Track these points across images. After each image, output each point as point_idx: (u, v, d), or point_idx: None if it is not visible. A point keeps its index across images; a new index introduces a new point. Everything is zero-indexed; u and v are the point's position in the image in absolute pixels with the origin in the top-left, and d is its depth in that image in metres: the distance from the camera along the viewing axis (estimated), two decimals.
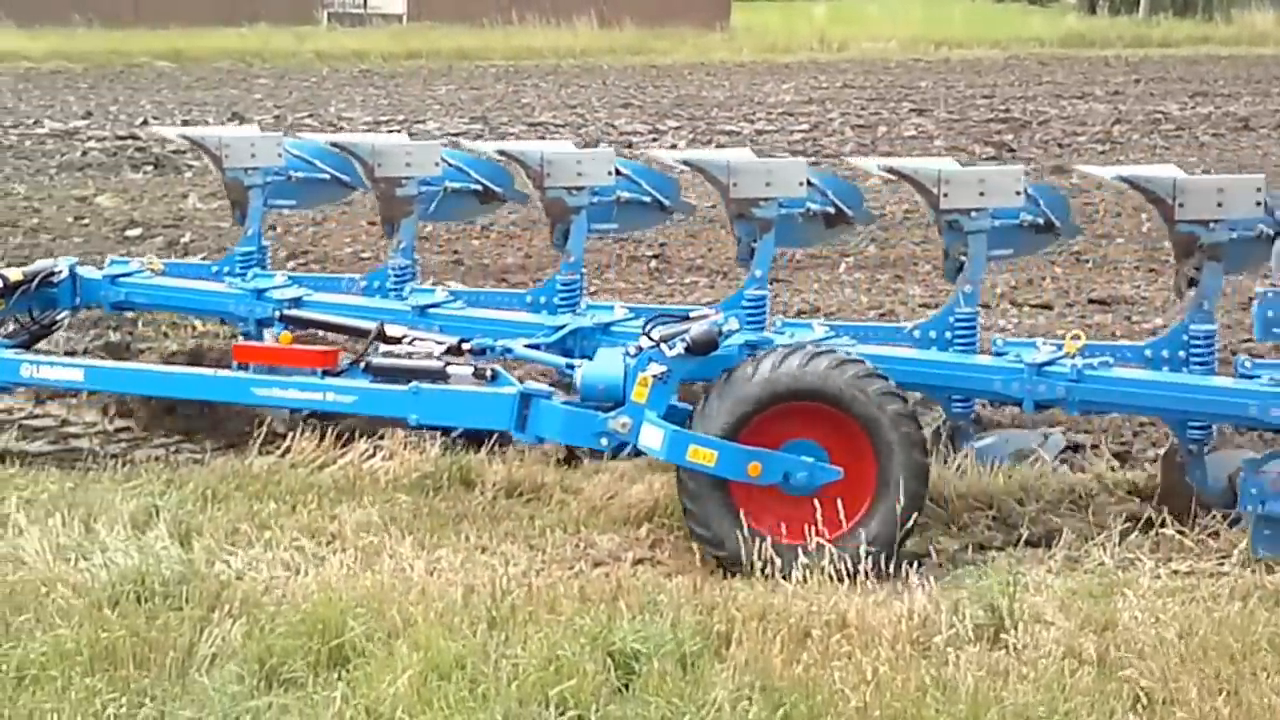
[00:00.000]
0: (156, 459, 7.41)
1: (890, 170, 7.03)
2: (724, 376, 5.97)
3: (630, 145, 20.05)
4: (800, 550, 5.75)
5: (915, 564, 5.73)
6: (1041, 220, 7.10)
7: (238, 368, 7.13)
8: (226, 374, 7.17)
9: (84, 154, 19.14)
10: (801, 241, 8.00)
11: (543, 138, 21.01)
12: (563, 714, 4.53)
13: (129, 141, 20.17)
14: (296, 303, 7.76)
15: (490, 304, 7.76)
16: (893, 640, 5.03)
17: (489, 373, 6.58)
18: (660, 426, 5.94)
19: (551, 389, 6.56)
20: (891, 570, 5.76)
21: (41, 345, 8.28)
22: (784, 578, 5.58)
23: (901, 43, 40.31)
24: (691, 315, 6.33)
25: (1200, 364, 6.25)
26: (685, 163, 7.71)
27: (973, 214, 6.60)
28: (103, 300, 8.35)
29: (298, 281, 8.12)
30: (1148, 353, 6.38)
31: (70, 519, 6.31)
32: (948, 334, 6.66)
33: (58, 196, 15.72)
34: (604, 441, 6.26)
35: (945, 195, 6.59)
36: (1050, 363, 6.29)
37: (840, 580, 5.56)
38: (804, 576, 5.54)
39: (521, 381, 6.63)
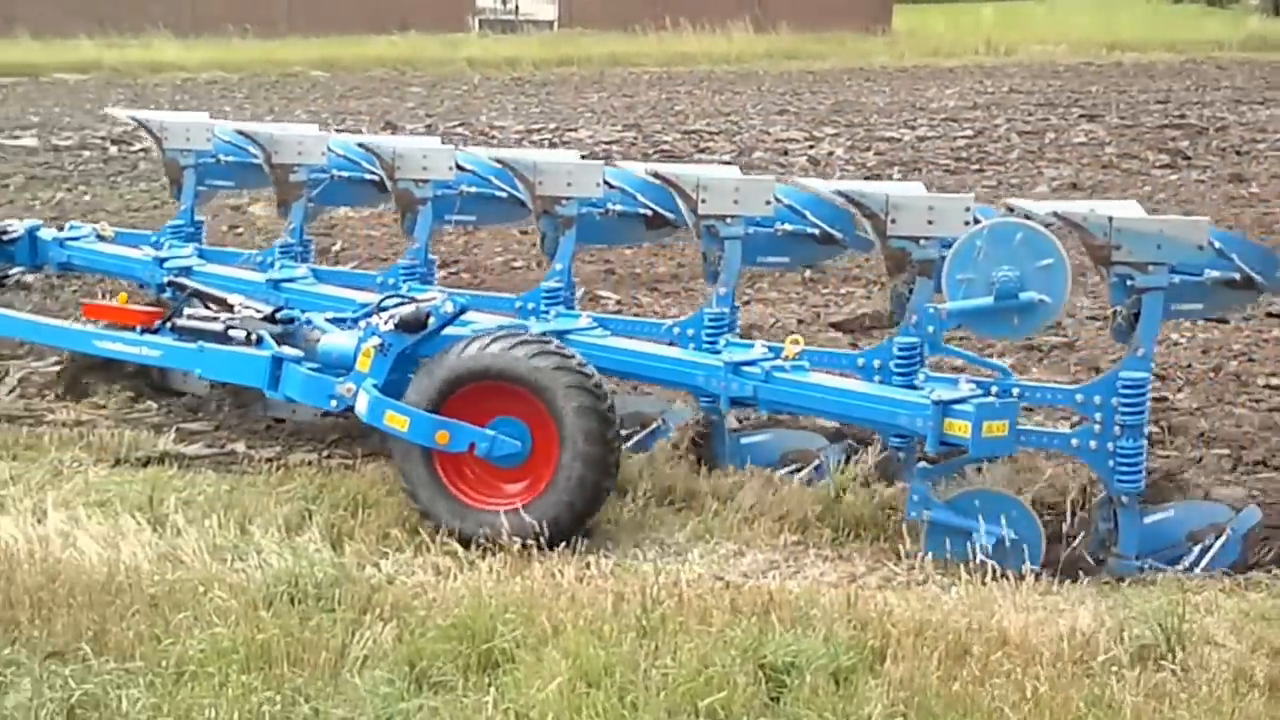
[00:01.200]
0: (309, 464, 7.66)
1: (654, 174, 7.59)
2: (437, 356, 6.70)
3: (785, 153, 20.08)
4: (488, 517, 6.38)
5: (1079, 579, 5.69)
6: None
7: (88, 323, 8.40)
8: (76, 326, 8.53)
9: None
10: (615, 240, 8.84)
11: (697, 146, 21.14)
12: None
13: None
14: (185, 271, 8.96)
15: (336, 282, 8.91)
16: (1054, 658, 5.00)
17: (255, 337, 7.51)
18: (368, 393, 6.72)
19: (301, 355, 7.34)
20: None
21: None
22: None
23: (1071, 46, 39.62)
24: (417, 297, 7.18)
25: (901, 374, 6.59)
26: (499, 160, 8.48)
27: (728, 220, 7.18)
28: (52, 260, 9.71)
29: (205, 255, 9.47)
30: (860, 361, 6.81)
31: (226, 521, 6.58)
32: (693, 332, 7.30)
33: (213, 206, 16.24)
34: (334, 403, 7.04)
35: (703, 201, 7.15)
36: (747, 363, 6.76)
37: (998, 586, 5.56)
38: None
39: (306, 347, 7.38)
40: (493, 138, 22.03)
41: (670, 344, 7.35)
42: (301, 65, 35.23)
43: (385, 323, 6.85)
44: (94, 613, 5.40)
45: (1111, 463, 6.09)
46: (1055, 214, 6.33)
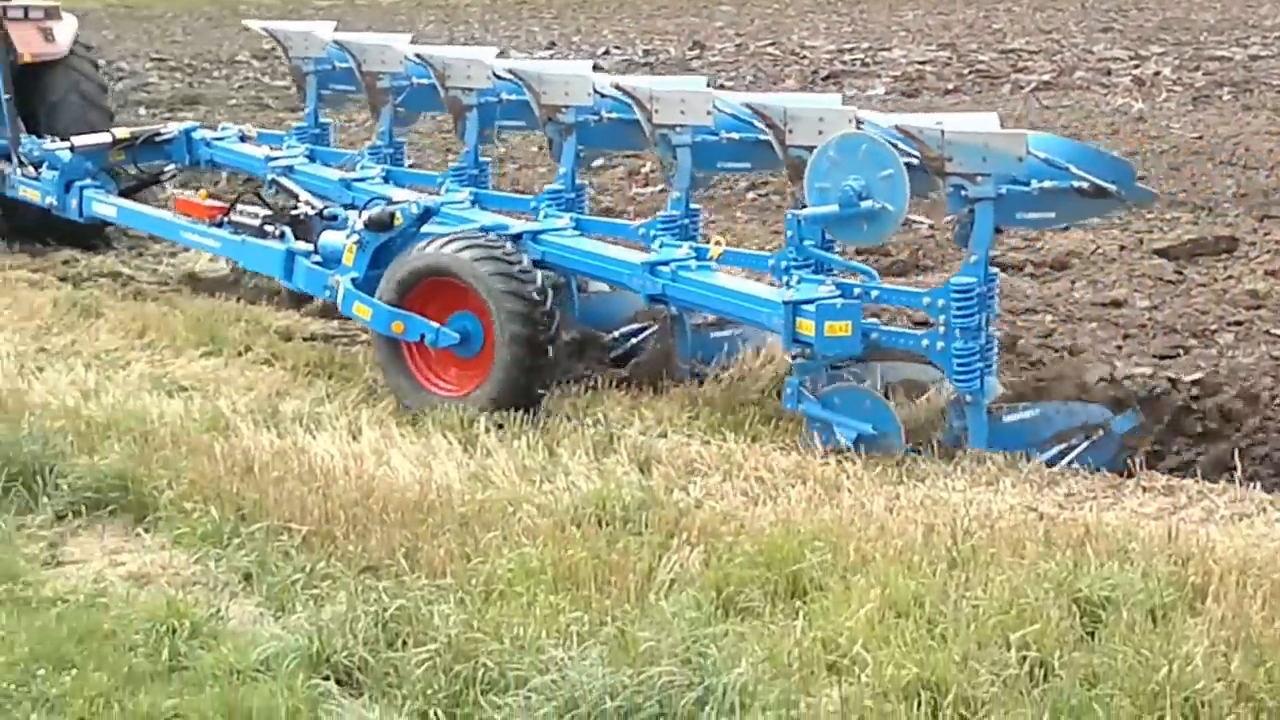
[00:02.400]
0: (617, 387, 7.79)
1: (616, 86, 8.13)
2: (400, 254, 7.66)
3: (1108, 73, 19.24)
4: (435, 399, 7.44)
5: None
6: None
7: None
8: (170, 217, 9.73)
9: None
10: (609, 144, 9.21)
11: (1014, 66, 20.47)
12: (1024, 659, 4.48)
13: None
14: (287, 170, 9.96)
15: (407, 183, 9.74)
16: None
17: (279, 233, 8.61)
18: (344, 285, 7.82)
19: (311, 250, 8.34)
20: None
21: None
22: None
23: None
24: (395, 199, 8.26)
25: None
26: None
27: (677, 130, 7.78)
28: (201, 158, 11.02)
29: (315, 156, 10.40)
30: (770, 262, 7.17)
31: (535, 443, 6.77)
32: (653, 233, 7.86)
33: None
34: (327, 293, 8.13)
35: (656, 112, 7.78)
36: (661, 263, 7.46)
37: None
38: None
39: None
40: (803, 57, 21.81)
41: (637, 244, 8.02)
42: None
43: (358, 221, 7.85)
44: (406, 530, 5.64)
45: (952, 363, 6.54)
46: (896, 127, 6.80)
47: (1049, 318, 8.56)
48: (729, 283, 7.37)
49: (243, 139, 11.01)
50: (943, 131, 6.50)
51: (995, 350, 6.94)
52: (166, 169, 11.16)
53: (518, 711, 4.37)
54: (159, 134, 11.03)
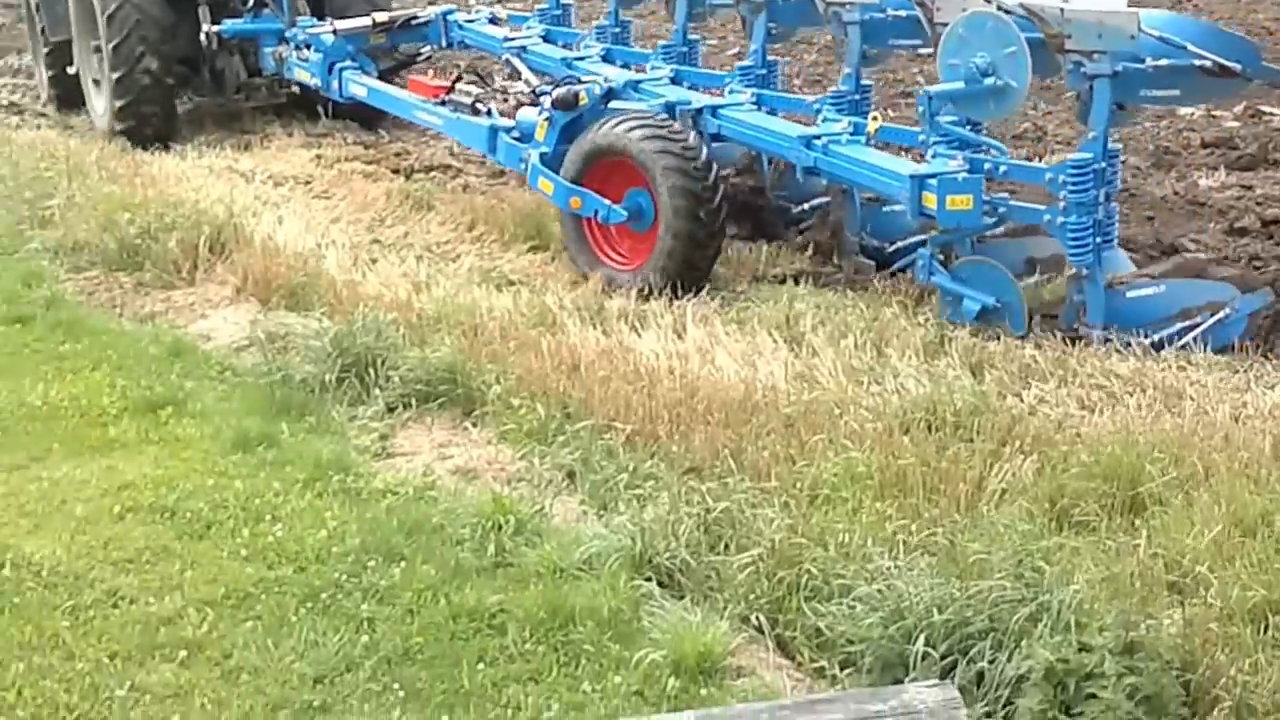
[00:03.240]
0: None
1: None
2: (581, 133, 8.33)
3: None
4: (619, 274, 8.09)
5: None
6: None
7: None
8: (404, 96, 10.43)
9: None
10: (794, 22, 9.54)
11: None
12: None
13: None
14: (520, 51, 10.60)
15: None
16: None
17: (487, 110, 9.42)
18: (532, 161, 8.54)
19: (513, 127, 9.00)
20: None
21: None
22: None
23: None
24: (582, 79, 8.83)
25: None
26: None
27: (847, 7, 8.35)
28: (454, 40, 11.65)
29: (550, 36, 11.00)
30: (920, 138, 7.54)
31: (863, 342, 6.68)
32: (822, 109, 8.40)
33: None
34: (522, 165, 8.75)
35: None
36: (815, 137, 7.87)
37: None
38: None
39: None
40: None
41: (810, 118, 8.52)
42: None
43: (548, 100, 8.51)
44: (731, 431, 5.65)
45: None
46: (1021, 4, 6.99)
47: None
48: (868, 156, 7.71)
49: (493, 21, 11.60)
50: (1062, 10, 6.78)
51: (1115, 226, 7.29)
52: (422, 50, 11.93)
53: (841, 620, 4.36)
54: (415, 18, 11.68)
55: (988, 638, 4.06)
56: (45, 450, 6.13)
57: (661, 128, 8.04)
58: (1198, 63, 6.68)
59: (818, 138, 7.87)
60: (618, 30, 10.53)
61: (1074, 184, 6.82)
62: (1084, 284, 6.89)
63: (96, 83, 12.83)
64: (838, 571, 4.54)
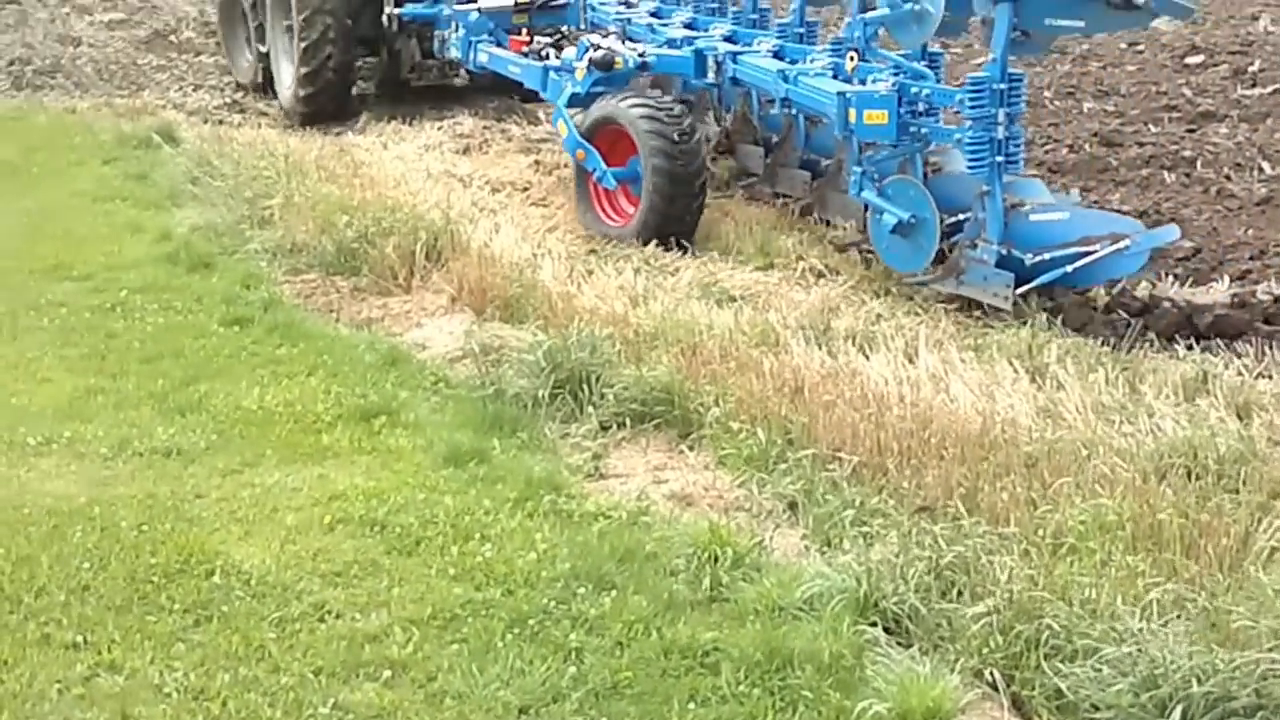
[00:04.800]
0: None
1: None
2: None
3: None
4: (615, 229, 9.62)
5: None
6: None
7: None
8: (505, 54, 11.97)
9: None
10: None
11: None
12: None
13: None
14: (626, 21, 11.89)
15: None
16: None
17: (546, 54, 11.17)
18: (566, 92, 10.19)
19: (570, 71, 10.35)
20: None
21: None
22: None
23: None
24: (615, 48, 10.15)
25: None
26: None
27: None
28: (591, 21, 12.54)
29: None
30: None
31: (1114, 376, 6.43)
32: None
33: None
34: (561, 101, 10.21)
35: None
36: (788, 71, 9.14)
37: None
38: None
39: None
40: None
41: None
42: None
43: (590, 55, 9.98)
44: (966, 468, 5.49)
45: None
46: None
47: None
48: (816, 82, 8.84)
49: (625, 3, 12.82)
50: None
51: (1021, 147, 7.95)
52: (561, 29, 12.80)
53: (1086, 683, 4.19)
54: (555, 0, 12.93)
55: (1255, 716, 3.84)
56: (259, 456, 6.26)
57: (659, 107, 9.54)
58: None
59: (787, 72, 9.17)
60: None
61: (972, 102, 7.67)
62: (985, 200, 7.70)
63: (285, 60, 14.16)
64: (1082, 630, 4.35)
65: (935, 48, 10.32)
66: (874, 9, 8.62)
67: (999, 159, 7.67)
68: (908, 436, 5.80)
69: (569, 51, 10.68)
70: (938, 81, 8.68)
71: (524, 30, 12.34)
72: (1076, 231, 7.64)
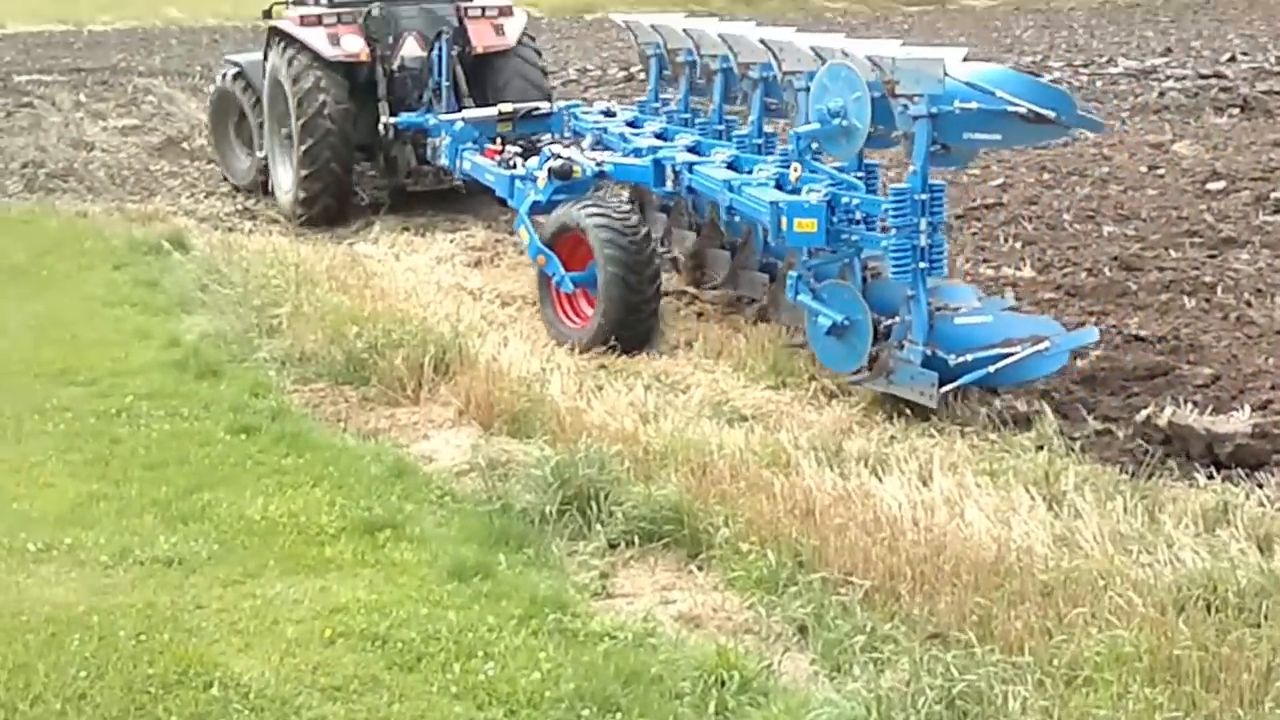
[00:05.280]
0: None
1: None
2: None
3: None
4: (572, 332, 10.05)
5: None
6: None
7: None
8: (484, 162, 12.39)
9: (1160, 95, 19.42)
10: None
11: None
12: None
13: (1212, 81, 20.12)
14: (602, 131, 12.17)
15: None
16: None
17: (513, 164, 11.66)
18: (527, 202, 10.78)
19: (532, 180, 10.93)
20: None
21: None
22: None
23: None
24: (574, 158, 10.71)
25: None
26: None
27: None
28: (573, 130, 12.89)
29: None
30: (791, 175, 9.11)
31: (1133, 505, 6.41)
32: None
33: (1130, 143, 16.08)
34: (523, 209, 10.73)
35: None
36: (732, 182, 9.53)
37: None
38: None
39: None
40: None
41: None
42: None
43: (549, 164, 10.57)
44: (980, 595, 5.46)
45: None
46: (868, 57, 8.26)
47: None
48: (756, 191, 9.12)
49: (606, 114, 13.14)
50: (894, 59, 8.00)
51: (944, 253, 8.20)
52: (544, 138, 13.27)
53: None
54: (537, 109, 13.49)
55: None
56: (261, 566, 6.25)
57: (614, 214, 9.93)
58: (1011, 109, 7.63)
59: (732, 182, 9.52)
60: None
61: (895, 211, 8.01)
62: (910, 304, 8.06)
63: (283, 163, 14.75)
64: None
65: (875, 159, 10.59)
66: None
67: (922, 265, 8.02)
68: (921, 562, 5.78)
69: (533, 161, 11.23)
70: (870, 192, 8.91)
71: (498, 139, 12.89)
72: (999, 334, 8.12)
